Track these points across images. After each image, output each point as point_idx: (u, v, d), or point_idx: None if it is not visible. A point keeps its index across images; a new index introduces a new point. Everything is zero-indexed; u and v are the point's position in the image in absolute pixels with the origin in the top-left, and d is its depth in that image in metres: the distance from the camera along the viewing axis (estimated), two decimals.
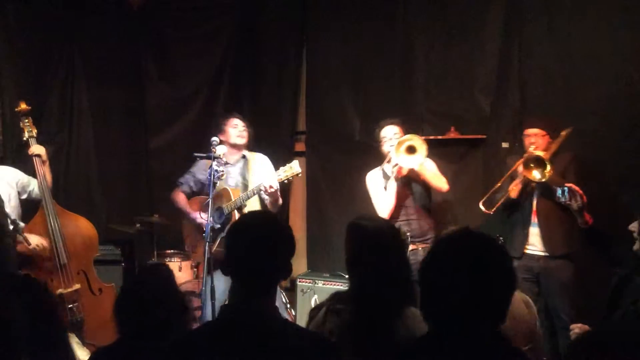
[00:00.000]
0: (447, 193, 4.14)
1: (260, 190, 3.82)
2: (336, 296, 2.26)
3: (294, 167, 3.77)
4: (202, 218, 3.92)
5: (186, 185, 4.36)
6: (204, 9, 5.60)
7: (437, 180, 4.04)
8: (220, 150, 3.81)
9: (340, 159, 5.16)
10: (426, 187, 4.11)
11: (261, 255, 1.68)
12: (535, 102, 4.40)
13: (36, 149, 3.78)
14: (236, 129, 4.25)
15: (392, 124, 4.11)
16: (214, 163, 3.72)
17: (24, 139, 3.82)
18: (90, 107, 5.33)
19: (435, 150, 4.23)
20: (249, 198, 3.92)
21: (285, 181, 3.80)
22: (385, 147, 4.07)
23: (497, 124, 4.57)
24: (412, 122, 4.77)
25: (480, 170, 4.69)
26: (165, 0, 5.65)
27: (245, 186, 4.11)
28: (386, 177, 4.14)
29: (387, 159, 4.10)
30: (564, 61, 4.28)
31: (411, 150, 3.88)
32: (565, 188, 3.54)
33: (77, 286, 3.84)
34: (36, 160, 3.76)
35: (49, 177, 3.86)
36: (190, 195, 4.40)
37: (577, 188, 3.54)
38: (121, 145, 5.57)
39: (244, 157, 4.25)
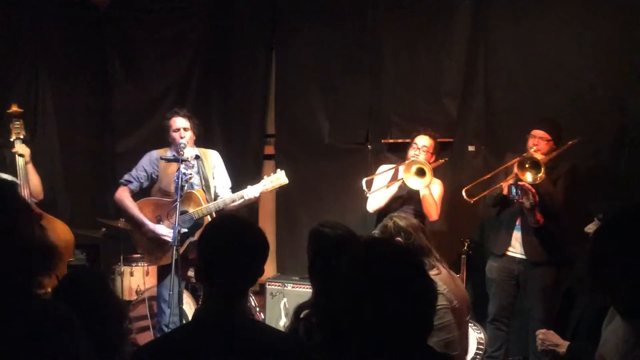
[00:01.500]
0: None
1: (242, 199, 3.76)
2: (299, 310, 2.23)
3: (281, 178, 3.76)
4: (160, 231, 3.80)
5: (136, 182, 4.01)
6: (172, 10, 5.55)
7: (430, 206, 4.02)
8: (188, 152, 3.78)
9: (310, 162, 5.16)
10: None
11: (236, 260, 1.67)
12: (500, 105, 4.48)
13: (20, 148, 3.91)
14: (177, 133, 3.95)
15: (428, 135, 4.08)
16: (182, 166, 3.69)
17: (11, 139, 3.95)
18: (55, 109, 5.20)
19: (403, 153, 4.27)
20: (226, 205, 3.80)
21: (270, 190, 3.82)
22: (410, 153, 4.07)
23: (463, 127, 4.64)
24: (380, 125, 4.83)
25: (447, 173, 4.74)
26: (132, 1, 5.58)
27: (207, 186, 3.97)
28: (394, 177, 4.16)
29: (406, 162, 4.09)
30: (529, 65, 4.37)
31: (421, 173, 3.92)
32: (514, 187, 3.59)
33: (47, 289, 3.78)
34: (19, 160, 3.89)
35: (35, 177, 3.99)
36: (139, 194, 4.08)
37: (529, 186, 3.57)
38: (87, 148, 5.46)
39: (197, 157, 3.99)
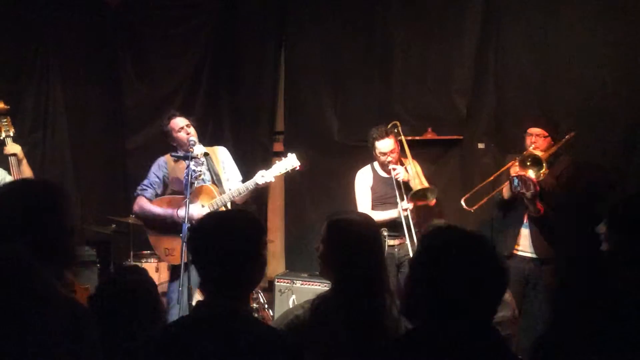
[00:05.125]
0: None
1: (257, 185, 3.77)
2: (321, 302, 2.18)
3: (292, 160, 3.76)
4: (192, 211, 3.69)
5: (150, 189, 4.01)
6: (182, 8, 5.57)
7: None
8: (197, 150, 3.80)
9: (319, 160, 5.16)
10: None
11: (226, 251, 1.67)
12: (510, 103, 4.46)
13: (11, 148, 3.74)
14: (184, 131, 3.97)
15: (387, 136, 3.98)
16: (192, 163, 3.69)
17: (0, 138, 3.78)
18: (66, 107, 5.25)
19: (413, 151, 4.25)
20: (240, 194, 3.81)
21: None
22: (381, 159, 4.02)
23: (473, 125, 4.62)
24: (390, 122, 4.80)
25: (457, 170, 4.73)
26: None
27: (218, 181, 3.99)
28: (376, 175, 4.14)
29: (378, 161, 4.09)
30: (539, 63, 4.34)
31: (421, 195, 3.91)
32: (515, 178, 3.58)
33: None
34: (11, 160, 3.71)
35: (28, 174, 3.80)
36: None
37: (529, 176, 3.56)
38: (97, 145, 5.51)
39: (206, 154, 3.99)
